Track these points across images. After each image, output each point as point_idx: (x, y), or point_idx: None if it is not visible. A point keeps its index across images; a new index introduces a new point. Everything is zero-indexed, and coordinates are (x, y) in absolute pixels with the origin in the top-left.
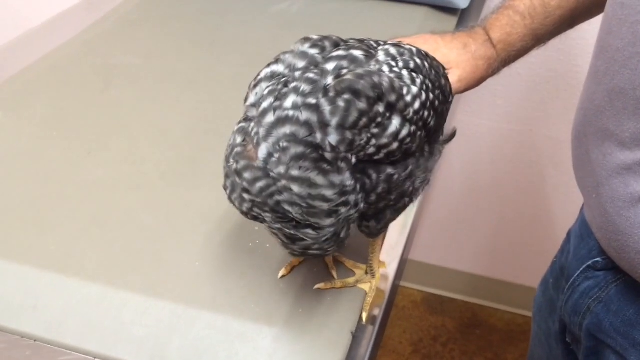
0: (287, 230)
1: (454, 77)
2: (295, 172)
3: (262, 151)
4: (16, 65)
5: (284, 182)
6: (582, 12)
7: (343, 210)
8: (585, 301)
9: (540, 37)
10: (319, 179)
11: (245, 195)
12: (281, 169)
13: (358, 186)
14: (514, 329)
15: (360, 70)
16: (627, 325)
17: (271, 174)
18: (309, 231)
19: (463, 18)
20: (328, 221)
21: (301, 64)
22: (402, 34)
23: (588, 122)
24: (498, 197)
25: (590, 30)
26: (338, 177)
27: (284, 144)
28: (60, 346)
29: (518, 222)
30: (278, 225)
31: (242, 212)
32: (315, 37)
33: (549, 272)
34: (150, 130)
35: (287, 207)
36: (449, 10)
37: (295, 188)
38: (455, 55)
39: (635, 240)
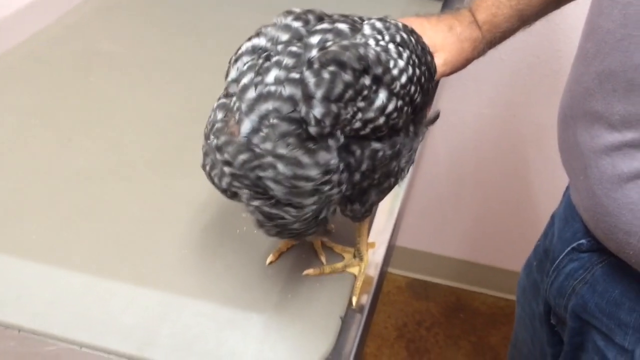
0: (266, 209)
1: (440, 60)
2: (282, 150)
3: (246, 126)
4: None
5: (269, 159)
6: None
7: (325, 188)
8: (570, 283)
9: (526, 17)
10: (305, 159)
11: (226, 169)
12: (268, 145)
13: (342, 165)
14: (497, 312)
15: (345, 42)
16: (613, 306)
17: (256, 149)
18: (290, 209)
19: (447, 2)
20: (310, 200)
21: (284, 37)
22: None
23: (576, 104)
24: (482, 182)
25: (573, 15)
26: (325, 156)
27: (272, 120)
28: (46, 336)
29: (501, 206)
30: (256, 203)
31: (221, 190)
32: (298, 10)
33: (532, 255)
34: (134, 118)
35: (270, 184)
36: None
37: (281, 167)
38: (441, 38)
39: (623, 221)
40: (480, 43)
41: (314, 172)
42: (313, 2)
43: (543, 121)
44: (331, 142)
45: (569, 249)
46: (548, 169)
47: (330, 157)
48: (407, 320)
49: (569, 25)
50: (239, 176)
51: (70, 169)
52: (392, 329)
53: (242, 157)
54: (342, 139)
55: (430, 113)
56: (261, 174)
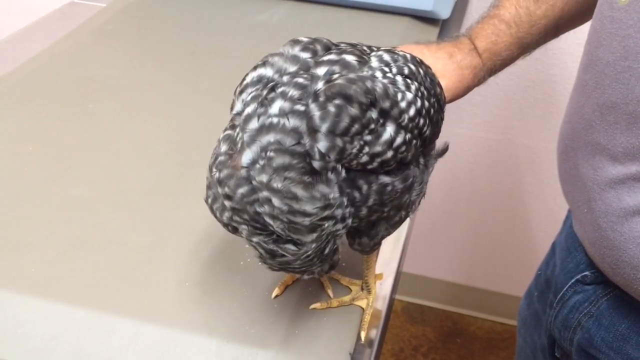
0: (266, 246)
1: None
2: (277, 184)
3: (247, 156)
4: None
5: (265, 193)
6: (567, 21)
7: (327, 224)
8: (576, 316)
9: (525, 45)
10: (301, 192)
11: (227, 203)
12: (263, 178)
13: (345, 200)
14: (494, 337)
15: (352, 75)
16: (620, 340)
17: (253, 181)
18: (290, 247)
19: (444, 28)
20: (310, 237)
21: (292, 68)
22: (385, 45)
23: (577, 136)
24: (477, 205)
25: (567, 40)
26: (323, 190)
27: (269, 153)
28: None
29: (497, 230)
30: (256, 239)
31: (223, 224)
32: (305, 39)
33: (533, 284)
34: (132, 145)
35: (267, 220)
36: (431, 20)
37: (276, 201)
38: (441, 65)
39: (630, 255)
40: (480, 70)
41: (311, 207)
42: (312, 27)
43: (538, 144)
44: (331, 175)
45: (572, 280)
46: (544, 193)
47: (329, 192)
48: (404, 345)
49: (562, 49)
50: (238, 210)
51: (69, 198)
52: (389, 354)
53: (241, 190)
54: (343, 173)
55: (439, 145)
56: (259, 209)
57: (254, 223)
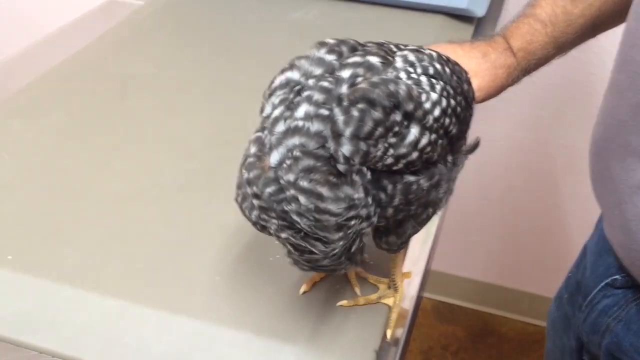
0: (294, 240)
1: (473, 86)
2: (303, 183)
3: (274, 157)
4: (30, 73)
5: (292, 192)
6: (604, 20)
7: (352, 223)
8: (604, 320)
9: (561, 45)
10: (326, 192)
11: (255, 201)
12: (290, 177)
13: (370, 199)
14: (525, 338)
15: (375, 79)
16: None
17: (281, 181)
18: (318, 244)
19: (480, 27)
20: (337, 235)
21: (318, 71)
22: (418, 43)
23: (609, 137)
24: (511, 205)
25: (607, 39)
26: (348, 191)
27: (296, 153)
28: None
29: (530, 230)
30: (284, 234)
31: (252, 222)
32: (331, 41)
33: (563, 287)
34: (168, 141)
35: (295, 217)
36: (466, 18)
37: (302, 199)
38: (475, 64)
39: None
40: (514, 70)
41: (335, 207)
42: (347, 25)
43: (575, 144)
44: (356, 177)
45: (602, 284)
46: (580, 194)
47: (354, 192)
48: (433, 344)
49: (602, 48)
50: (266, 209)
51: (106, 192)
52: (417, 352)
53: (269, 189)
54: (368, 175)
55: (470, 141)
56: (286, 207)
57: (281, 221)
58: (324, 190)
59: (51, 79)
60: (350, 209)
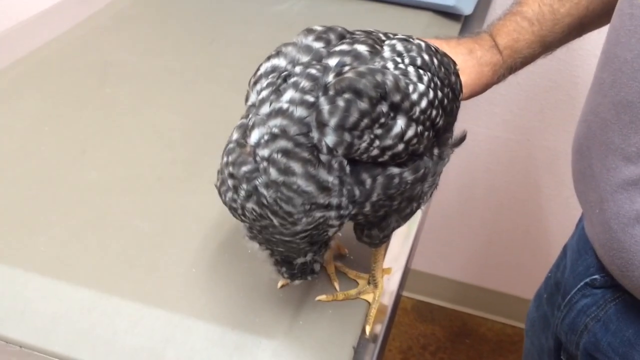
0: (257, 209)
1: None
2: (276, 156)
3: (255, 136)
4: (6, 58)
5: (264, 164)
6: (591, 20)
7: (322, 202)
8: (583, 319)
9: (548, 44)
10: (299, 169)
11: (230, 181)
12: (265, 152)
13: (345, 191)
14: (504, 339)
15: (362, 68)
16: (626, 346)
17: (257, 157)
18: (278, 218)
19: (466, 24)
20: (301, 208)
21: (305, 58)
22: None
23: (592, 135)
24: (492, 205)
25: (591, 41)
26: (322, 174)
27: (275, 130)
28: (48, 354)
29: (511, 231)
30: (250, 205)
31: (228, 207)
32: (319, 28)
33: (542, 287)
34: (147, 130)
35: (262, 190)
36: (453, 16)
37: (273, 172)
38: (461, 60)
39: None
40: (500, 68)
41: (305, 184)
42: (332, 19)
43: (557, 146)
44: (335, 164)
45: (581, 284)
46: (561, 196)
47: (328, 177)
48: (412, 343)
49: (586, 50)
50: (238, 187)
51: (82, 181)
52: (397, 351)
53: (245, 168)
54: (347, 169)
55: (457, 133)
56: (257, 181)
57: (250, 195)
58: (297, 167)
59: (30, 64)
60: (322, 192)
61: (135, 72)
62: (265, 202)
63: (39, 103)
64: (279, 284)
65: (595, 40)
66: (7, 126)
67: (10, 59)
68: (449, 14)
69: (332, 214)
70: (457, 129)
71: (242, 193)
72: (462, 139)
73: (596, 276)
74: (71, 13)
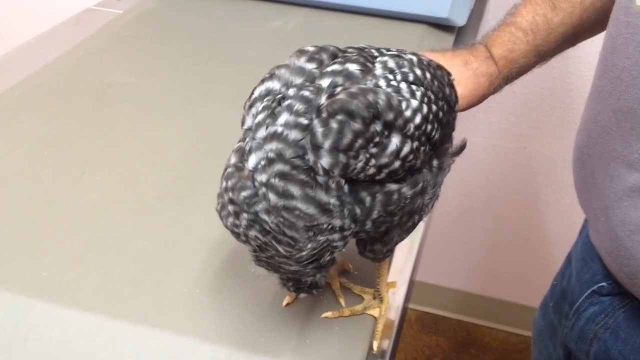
0: (262, 237)
1: None
2: (275, 181)
3: (252, 160)
4: (4, 82)
5: (263, 190)
6: (585, 29)
7: (324, 227)
8: (592, 328)
9: (542, 53)
10: (297, 192)
11: (230, 207)
12: (263, 178)
13: (346, 211)
14: (509, 347)
15: (354, 89)
16: (637, 353)
17: (255, 183)
18: (283, 245)
19: (460, 36)
20: (305, 235)
21: (298, 80)
22: None
23: (593, 143)
24: (492, 214)
25: (584, 48)
26: (321, 195)
27: (271, 155)
28: None
29: (513, 239)
30: (253, 233)
31: (230, 231)
32: (311, 48)
33: (548, 295)
34: (146, 151)
35: (263, 216)
36: (446, 27)
37: (272, 197)
38: (457, 72)
39: None
40: (496, 78)
41: (305, 207)
42: (327, 34)
43: (554, 153)
44: (332, 185)
45: (588, 291)
46: (560, 202)
47: (328, 198)
48: (417, 355)
49: (580, 58)
50: (238, 212)
51: (83, 203)
52: None
53: (244, 193)
54: (346, 188)
55: (456, 143)
56: (257, 207)
57: (252, 223)
58: (295, 190)
59: (27, 88)
60: (324, 214)
61: (132, 93)
62: (268, 228)
63: (37, 127)
64: (284, 302)
65: (589, 47)
66: (5, 150)
67: (8, 83)
68: (442, 26)
69: (336, 236)
70: (457, 138)
71: (244, 222)
72: (462, 147)
73: (603, 283)
74: (66, 36)
